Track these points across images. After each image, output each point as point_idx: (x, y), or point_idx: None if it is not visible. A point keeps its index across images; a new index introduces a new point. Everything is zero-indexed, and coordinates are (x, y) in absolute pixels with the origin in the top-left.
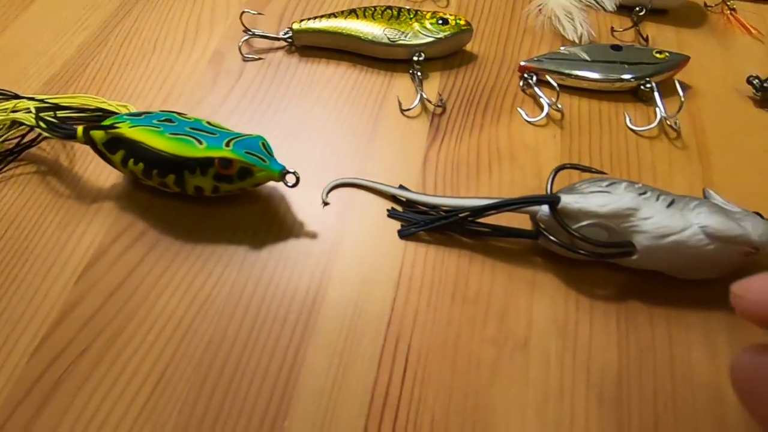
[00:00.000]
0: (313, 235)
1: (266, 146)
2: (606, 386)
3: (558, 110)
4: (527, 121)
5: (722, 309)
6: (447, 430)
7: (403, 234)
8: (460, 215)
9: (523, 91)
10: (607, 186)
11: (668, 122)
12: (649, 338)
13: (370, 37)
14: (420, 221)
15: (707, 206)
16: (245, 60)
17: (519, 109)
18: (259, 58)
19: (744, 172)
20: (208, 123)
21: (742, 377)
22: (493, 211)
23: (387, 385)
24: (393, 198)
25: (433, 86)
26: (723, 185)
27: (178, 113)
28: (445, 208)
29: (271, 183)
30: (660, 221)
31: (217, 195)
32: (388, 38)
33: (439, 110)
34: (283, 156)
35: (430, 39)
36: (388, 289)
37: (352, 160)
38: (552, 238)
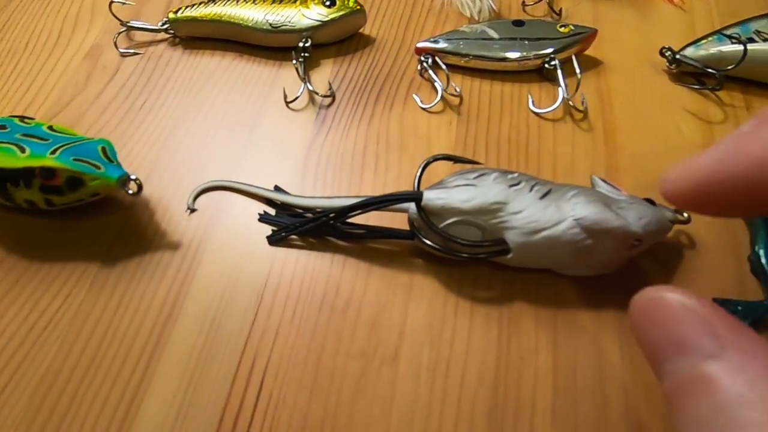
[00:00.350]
0: (174, 246)
1: (107, 151)
2: (480, 399)
3: (456, 95)
4: (421, 107)
5: (613, 308)
6: None
7: (271, 240)
8: (325, 217)
9: (421, 75)
10: (474, 178)
11: (571, 103)
12: (533, 343)
13: (250, 24)
14: (290, 225)
15: (584, 196)
16: (123, 55)
17: (414, 95)
18: (138, 53)
19: (653, 152)
20: (50, 128)
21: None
22: (358, 212)
23: (237, 411)
24: (268, 201)
25: (324, 75)
26: (629, 168)
27: (22, 118)
28: (317, 210)
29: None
30: (531, 215)
31: (55, 208)
32: (270, 23)
33: (327, 101)
34: (152, 159)
35: (317, 22)
36: (251, 301)
37: (230, 159)
38: (423, 238)
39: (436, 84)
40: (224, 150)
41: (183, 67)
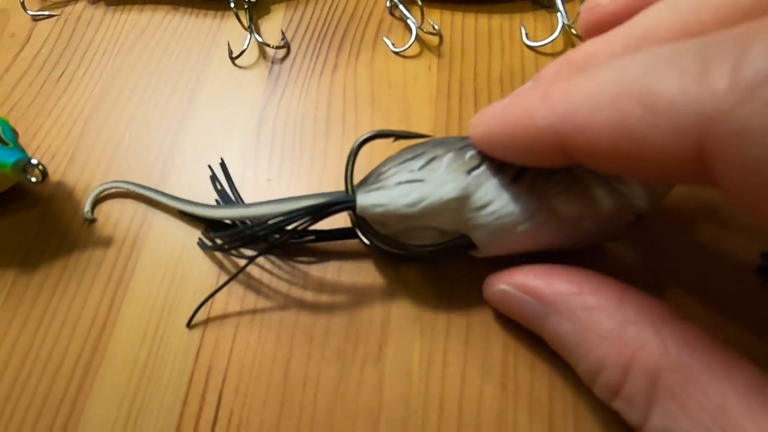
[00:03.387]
0: (105, 243)
1: (2, 132)
2: (486, 398)
3: (435, 33)
4: (394, 52)
5: (632, 274)
6: None
7: (206, 247)
8: (250, 234)
9: (392, 14)
10: (420, 168)
11: (573, 30)
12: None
13: None
14: (219, 245)
15: (566, 184)
16: (35, 19)
17: (385, 38)
18: (53, 15)
19: None
20: None
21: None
22: (274, 229)
23: None
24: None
25: (275, 23)
26: None
27: None
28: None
29: (55, 178)
30: (500, 209)
31: None
32: None
33: (281, 53)
34: (73, 140)
35: None
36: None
37: (168, 134)
38: (372, 242)
39: (409, 22)
40: (160, 123)
41: (107, 27)
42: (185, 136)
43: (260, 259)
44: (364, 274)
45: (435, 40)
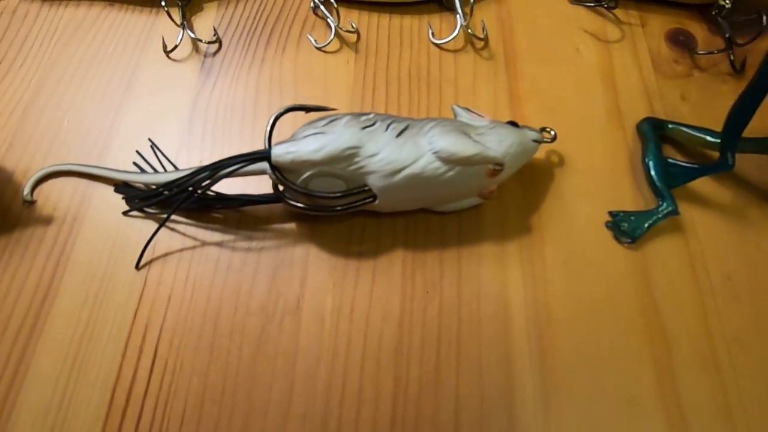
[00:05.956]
0: (46, 221)
1: None
2: (385, 336)
3: (353, 31)
4: (316, 47)
5: (514, 238)
6: (200, 423)
7: (126, 213)
8: (176, 190)
9: (315, 13)
10: (324, 125)
11: (470, 31)
12: (437, 277)
13: None
14: (139, 198)
15: (441, 127)
16: None
17: (308, 35)
18: None
19: (553, 76)
20: None
21: None
22: (207, 181)
23: (130, 384)
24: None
25: (209, 19)
26: (530, 93)
27: None
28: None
29: None
30: (388, 155)
31: None
32: None
33: (213, 48)
34: (12, 128)
35: None
36: (139, 271)
37: (105, 122)
38: (288, 200)
39: (329, 20)
40: (98, 110)
41: (43, 22)
42: (122, 122)
43: (198, 229)
44: (286, 235)
45: (353, 37)
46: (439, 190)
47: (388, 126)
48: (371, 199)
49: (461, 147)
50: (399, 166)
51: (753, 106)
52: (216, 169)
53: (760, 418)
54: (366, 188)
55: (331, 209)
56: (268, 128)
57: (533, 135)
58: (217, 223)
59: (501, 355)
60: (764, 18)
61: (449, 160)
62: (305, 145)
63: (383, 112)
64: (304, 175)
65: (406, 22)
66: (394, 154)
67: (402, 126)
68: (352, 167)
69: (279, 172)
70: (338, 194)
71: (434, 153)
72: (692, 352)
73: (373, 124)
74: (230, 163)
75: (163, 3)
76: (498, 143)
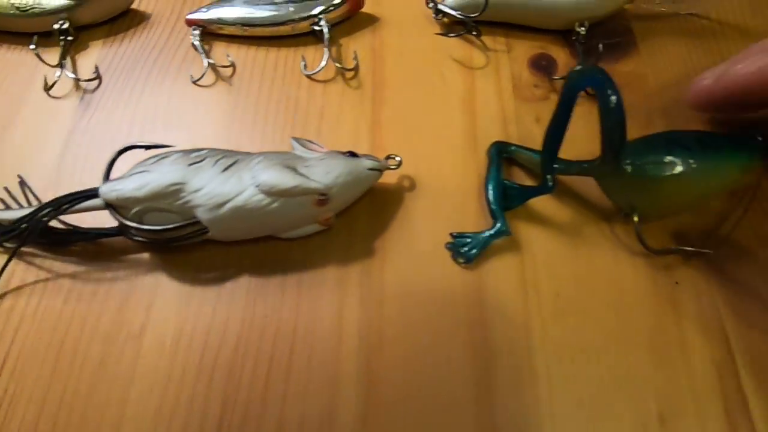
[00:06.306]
0: None
1: None
2: (220, 359)
3: (228, 65)
4: (192, 82)
5: (357, 263)
6: None
7: None
8: (20, 228)
9: (196, 49)
10: (152, 163)
11: (338, 64)
12: (278, 303)
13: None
14: (2, 232)
15: (267, 161)
16: None
17: (189, 70)
18: None
19: (415, 103)
20: None
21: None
22: (45, 219)
23: None
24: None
25: (92, 57)
26: (390, 120)
27: None
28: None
29: None
30: (212, 190)
31: None
32: (16, 7)
33: (93, 85)
34: None
35: (71, 2)
36: None
37: None
38: (128, 233)
39: (202, 56)
40: None
41: None
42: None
43: (54, 262)
44: (138, 265)
45: (229, 71)
46: (270, 220)
47: (216, 161)
48: (204, 231)
49: (281, 180)
50: (222, 200)
51: (559, 132)
52: (57, 206)
53: (570, 429)
54: (196, 221)
55: (169, 241)
56: (105, 166)
57: (369, 164)
58: (73, 256)
59: (329, 378)
60: (600, 46)
61: (270, 193)
62: (130, 183)
63: (250, 144)
64: (133, 210)
65: (282, 54)
66: (217, 189)
67: (231, 161)
68: (179, 202)
69: (113, 207)
70: (169, 227)
71: (257, 186)
72: (511, 366)
73: (201, 161)
74: (66, 200)
75: (32, 46)
76: (324, 175)
